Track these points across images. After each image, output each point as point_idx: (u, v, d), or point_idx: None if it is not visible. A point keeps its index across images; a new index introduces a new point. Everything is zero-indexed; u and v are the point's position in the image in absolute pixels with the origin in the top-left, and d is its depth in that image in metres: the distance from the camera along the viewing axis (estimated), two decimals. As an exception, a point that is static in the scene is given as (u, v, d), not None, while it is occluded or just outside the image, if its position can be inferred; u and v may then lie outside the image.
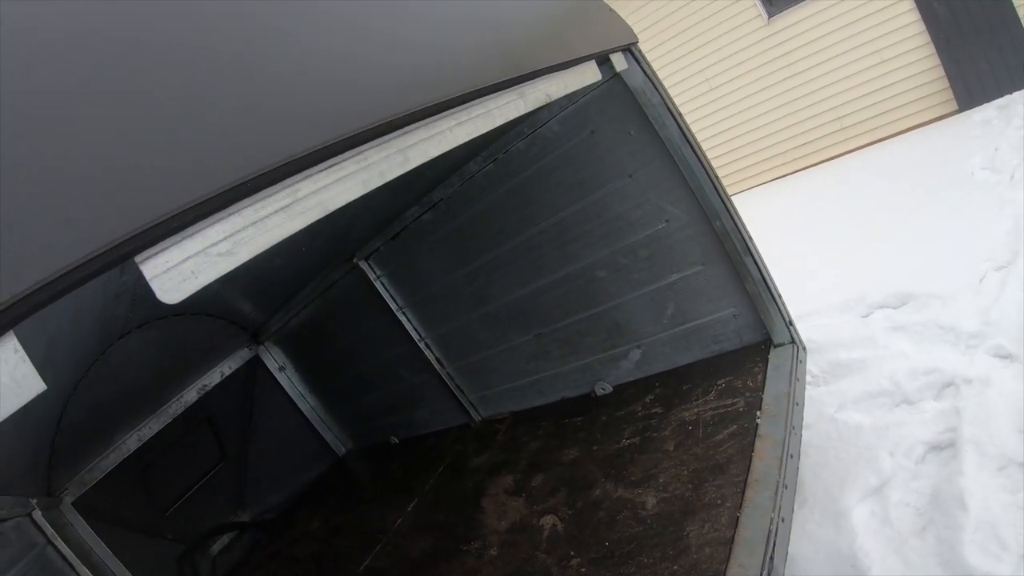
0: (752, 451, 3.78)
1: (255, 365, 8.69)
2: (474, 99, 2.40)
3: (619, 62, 3.83)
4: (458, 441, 6.79)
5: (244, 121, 1.67)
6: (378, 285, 6.63)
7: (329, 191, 1.81)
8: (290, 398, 8.93)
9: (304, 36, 2.01)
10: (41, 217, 1.24)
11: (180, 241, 1.47)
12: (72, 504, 5.86)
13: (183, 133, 1.53)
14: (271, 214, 1.66)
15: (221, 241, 1.56)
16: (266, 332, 8.51)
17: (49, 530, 4.50)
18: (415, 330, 6.75)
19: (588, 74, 3.42)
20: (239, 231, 1.60)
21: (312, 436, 9.11)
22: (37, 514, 4.51)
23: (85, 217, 1.29)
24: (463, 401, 6.87)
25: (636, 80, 4.09)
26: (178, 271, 1.47)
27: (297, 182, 1.73)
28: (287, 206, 1.70)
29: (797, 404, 4.12)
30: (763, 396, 4.22)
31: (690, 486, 3.83)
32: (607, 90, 4.36)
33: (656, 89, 4.12)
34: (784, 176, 12.23)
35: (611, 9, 4.11)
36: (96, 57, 1.48)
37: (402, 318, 6.70)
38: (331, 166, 1.82)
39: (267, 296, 7.24)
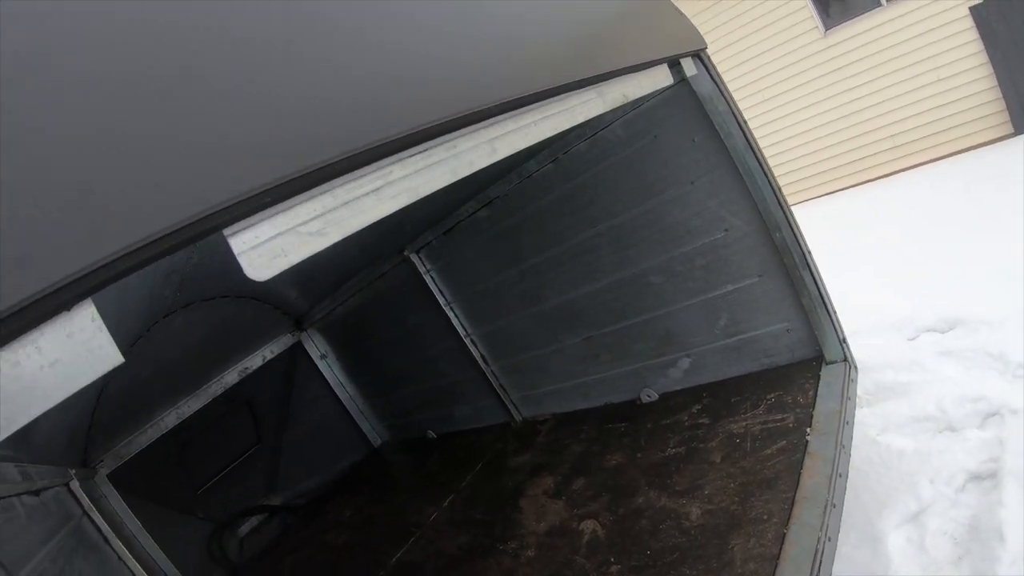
0: (801, 468, 3.71)
1: (297, 351, 8.81)
2: (558, 94, 2.41)
3: (689, 67, 3.81)
4: (498, 440, 6.78)
5: (341, 102, 1.67)
6: (428, 279, 6.64)
7: (419, 177, 1.81)
8: (329, 386, 9.05)
9: (405, 28, 2.04)
10: (130, 181, 1.22)
11: (271, 216, 1.47)
12: (107, 476, 5.95)
13: (281, 109, 1.54)
14: (363, 195, 1.67)
15: (312, 220, 1.56)
16: (310, 319, 8.61)
17: (86, 501, 4.57)
18: (462, 326, 6.75)
19: (660, 77, 3.41)
20: (330, 211, 1.60)
21: (349, 425, 9.22)
22: (75, 484, 4.59)
23: (176, 185, 1.28)
24: (505, 400, 6.86)
25: (704, 86, 4.05)
26: (268, 247, 1.46)
27: (389, 165, 1.73)
28: (378, 188, 1.70)
29: (847, 423, 4.06)
30: (813, 413, 4.15)
31: (736, 499, 3.78)
32: (673, 95, 4.32)
33: (723, 96, 4.07)
34: (835, 192, 12.17)
35: (681, 13, 4.08)
36: (204, 27, 1.49)
37: (450, 313, 6.71)
38: (422, 152, 1.83)
39: (314, 283, 7.30)
